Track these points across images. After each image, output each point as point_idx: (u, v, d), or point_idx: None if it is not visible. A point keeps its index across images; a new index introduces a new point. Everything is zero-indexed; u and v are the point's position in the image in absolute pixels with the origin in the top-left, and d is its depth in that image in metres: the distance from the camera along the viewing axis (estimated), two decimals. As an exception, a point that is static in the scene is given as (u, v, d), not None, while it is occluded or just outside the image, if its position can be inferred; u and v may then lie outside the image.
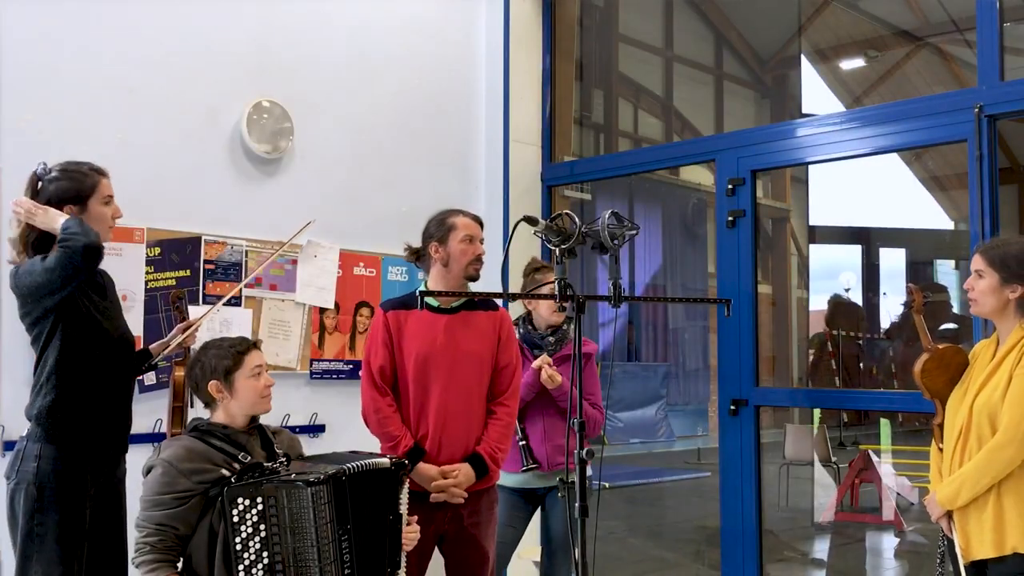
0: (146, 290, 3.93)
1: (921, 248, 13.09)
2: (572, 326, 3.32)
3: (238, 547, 2.56)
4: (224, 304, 3.95)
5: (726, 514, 4.40)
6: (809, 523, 8.16)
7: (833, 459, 8.80)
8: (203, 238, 4.12)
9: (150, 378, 3.83)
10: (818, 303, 13.34)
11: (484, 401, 3.35)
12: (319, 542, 2.57)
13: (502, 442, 3.34)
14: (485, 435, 3.31)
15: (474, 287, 3.41)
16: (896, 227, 13.29)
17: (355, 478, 2.67)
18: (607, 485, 4.46)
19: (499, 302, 3.55)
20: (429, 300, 3.28)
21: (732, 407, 4.39)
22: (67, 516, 2.83)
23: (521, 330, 3.85)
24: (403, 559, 2.85)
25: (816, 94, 10.13)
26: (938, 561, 3.09)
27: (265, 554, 2.57)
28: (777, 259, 12.24)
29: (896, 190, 11.51)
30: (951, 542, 2.91)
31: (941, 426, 3.00)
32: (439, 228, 3.33)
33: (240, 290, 4.14)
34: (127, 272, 3.82)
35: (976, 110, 3.72)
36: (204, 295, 4.11)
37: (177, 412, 3.15)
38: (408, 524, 2.88)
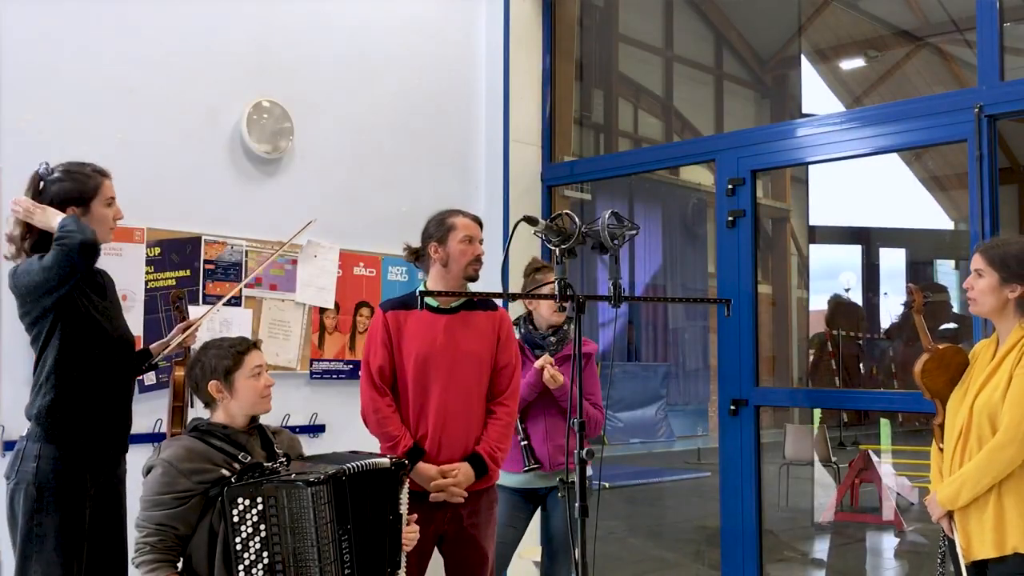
0: (146, 290, 3.93)
1: (921, 248, 13.07)
2: (572, 326, 3.32)
3: (238, 547, 2.56)
4: (224, 304, 3.95)
5: (726, 514, 4.40)
6: (809, 523, 8.15)
7: (833, 459, 8.79)
8: (203, 238, 4.13)
9: (150, 378, 3.83)
10: (818, 303, 13.33)
11: (483, 401, 3.35)
12: (319, 542, 2.57)
13: (502, 442, 3.34)
14: (485, 435, 3.32)
15: (474, 287, 3.41)
16: (896, 227, 13.28)
17: (355, 478, 2.67)
18: (607, 485, 4.46)
19: (499, 302, 3.55)
20: (428, 300, 3.29)
21: (732, 407, 4.39)
22: (67, 516, 2.83)
23: (522, 330, 3.85)
24: (403, 559, 2.85)
25: (816, 94, 10.12)
26: (939, 561, 3.10)
27: (265, 554, 2.57)
28: (777, 259, 12.23)
29: (896, 190, 11.49)
30: (952, 542, 2.91)
31: (941, 426, 3.00)
32: (438, 228, 3.34)
33: (240, 290, 4.14)
34: (127, 272, 3.82)
35: (976, 110, 3.72)
36: (204, 295, 4.11)
37: (177, 412, 3.15)
38: (408, 524, 2.88)
